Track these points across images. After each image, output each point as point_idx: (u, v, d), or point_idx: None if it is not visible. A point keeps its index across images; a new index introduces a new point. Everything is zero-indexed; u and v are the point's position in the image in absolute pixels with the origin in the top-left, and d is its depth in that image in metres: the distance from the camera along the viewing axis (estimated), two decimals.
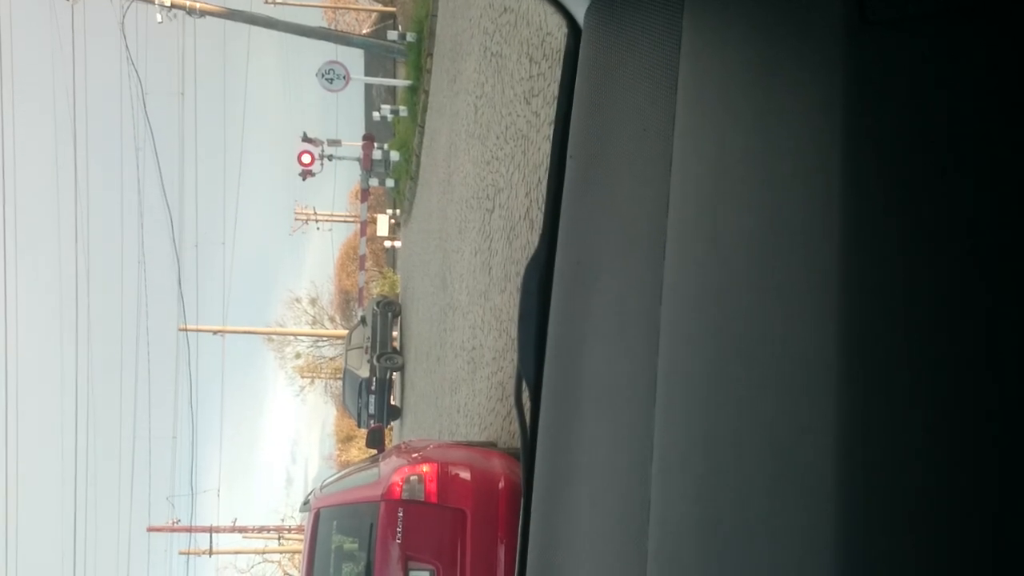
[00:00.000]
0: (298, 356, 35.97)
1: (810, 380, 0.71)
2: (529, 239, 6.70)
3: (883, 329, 0.69)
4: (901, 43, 0.73)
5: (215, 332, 29.95)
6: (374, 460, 6.30)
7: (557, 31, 6.25)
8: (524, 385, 1.30)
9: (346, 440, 35.86)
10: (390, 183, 20.71)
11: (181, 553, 31.50)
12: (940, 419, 0.67)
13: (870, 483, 0.67)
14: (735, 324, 0.80)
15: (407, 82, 18.16)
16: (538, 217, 6.37)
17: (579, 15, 1.19)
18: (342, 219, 32.34)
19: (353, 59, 21.17)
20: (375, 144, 20.11)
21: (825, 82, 0.75)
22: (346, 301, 33.47)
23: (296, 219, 31.77)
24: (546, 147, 6.23)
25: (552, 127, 1.27)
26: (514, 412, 1.35)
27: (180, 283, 27.44)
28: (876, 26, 0.74)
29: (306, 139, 19.96)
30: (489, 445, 6.64)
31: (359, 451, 28.96)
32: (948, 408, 0.67)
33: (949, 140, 0.71)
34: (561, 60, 1.27)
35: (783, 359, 0.74)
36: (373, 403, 18.40)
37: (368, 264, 26.68)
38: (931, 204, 0.70)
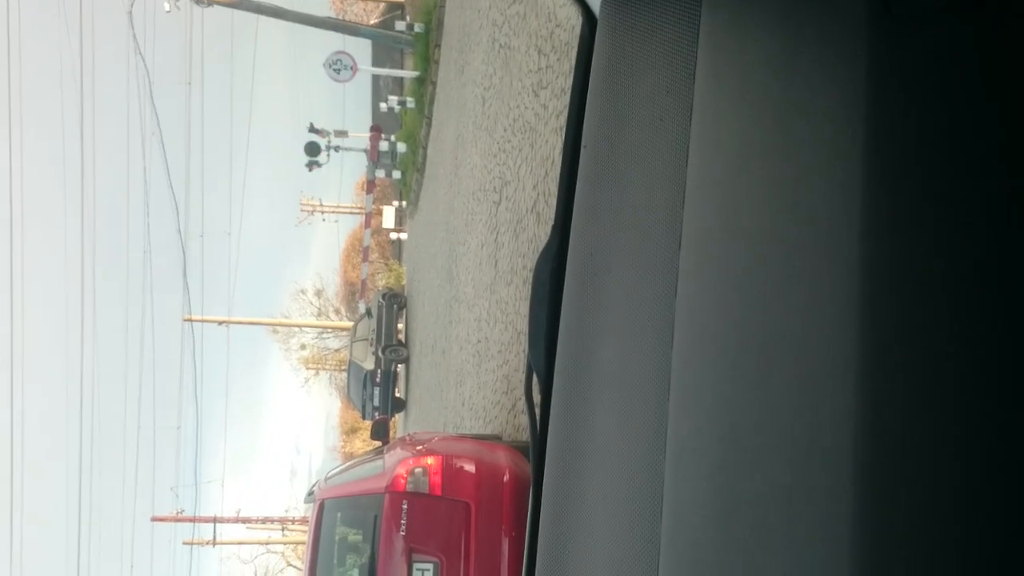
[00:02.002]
0: (303, 347, 36.09)
1: (829, 374, 0.70)
2: (536, 232, 6.69)
3: (904, 324, 0.69)
4: (925, 36, 0.72)
5: (220, 323, 30.03)
6: (378, 452, 6.31)
7: (567, 23, 6.24)
8: (534, 376, 1.29)
9: (350, 432, 35.97)
10: (396, 175, 20.71)
11: (185, 543, 31.64)
12: (962, 415, 0.66)
13: (889, 478, 0.66)
14: (752, 317, 0.79)
15: (415, 73, 18.14)
16: (545, 210, 6.36)
17: (594, 4, 1.19)
18: (348, 210, 32.37)
19: (361, 50, 21.15)
20: (382, 135, 20.10)
21: (848, 74, 0.74)
22: (351, 293, 33.49)
23: (302, 210, 31.81)
24: (554, 140, 6.22)
25: (563, 118, 1.26)
26: (520, 405, 1.35)
27: (185, 273, 27.56)
28: (901, 18, 0.73)
29: (313, 130, 19.96)
30: (494, 438, 6.64)
31: (363, 443, 29.04)
32: (970, 404, 0.66)
33: (974, 134, 0.70)
34: (570, 53, 1.26)
35: (801, 353, 0.74)
36: (378, 395, 18.44)
37: (374, 256, 26.70)
38: (954, 198, 0.70)
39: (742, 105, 0.86)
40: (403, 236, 24.77)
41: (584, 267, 1.15)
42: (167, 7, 20.15)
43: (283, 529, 33.32)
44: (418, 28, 17.57)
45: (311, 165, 20.10)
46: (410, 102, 18.71)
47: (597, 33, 1.16)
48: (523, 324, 6.62)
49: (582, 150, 1.17)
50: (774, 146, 0.81)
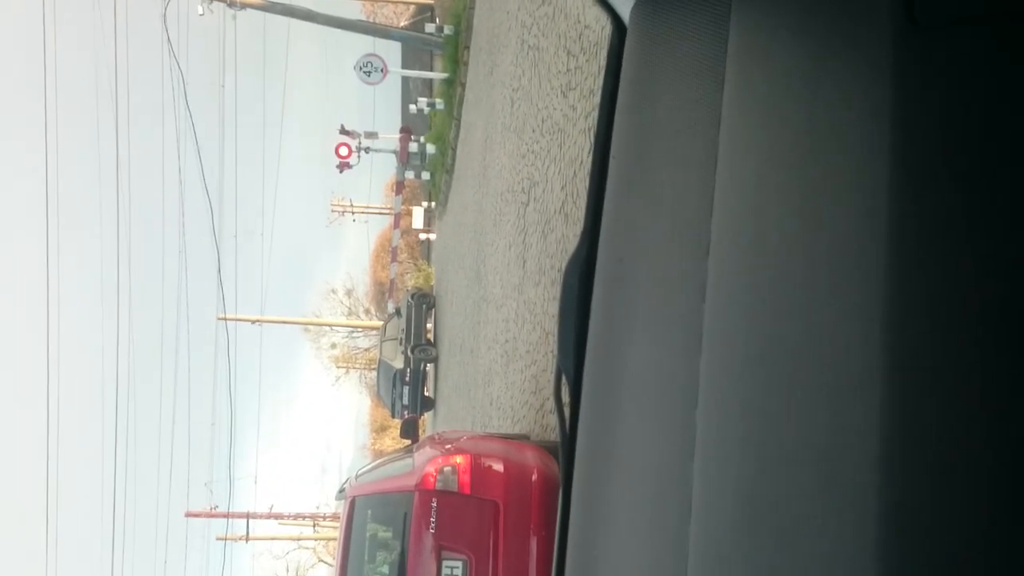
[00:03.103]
0: (334, 346, 36.34)
1: (856, 382, 0.71)
2: (564, 233, 6.69)
3: (930, 333, 0.69)
4: (949, 46, 0.72)
5: (253, 322, 30.35)
6: (408, 450, 6.34)
7: (595, 24, 6.23)
8: (564, 380, 1.31)
9: (380, 430, 36.14)
10: (426, 176, 20.78)
11: (218, 539, 31.98)
12: (987, 423, 0.66)
13: (915, 486, 0.67)
14: (779, 325, 0.80)
15: (444, 75, 18.19)
16: (573, 211, 6.36)
17: (624, 13, 1.19)
18: (378, 211, 32.54)
19: (391, 52, 21.25)
20: (411, 137, 20.19)
21: (874, 84, 0.74)
22: (381, 293, 33.65)
23: (333, 211, 32.05)
24: (582, 141, 6.22)
25: (591, 119, 1.27)
26: (548, 405, 1.36)
27: (220, 273, 27.78)
28: (925, 28, 0.73)
29: (343, 131, 20.08)
30: (522, 437, 6.64)
31: (392, 441, 29.17)
32: (995, 413, 0.66)
33: (999, 145, 0.70)
34: (599, 54, 1.27)
35: (828, 361, 0.74)
36: (407, 394, 18.53)
37: (402, 256, 26.82)
38: (981, 210, 0.70)
39: (770, 114, 0.87)
40: (432, 237, 24.84)
41: (613, 274, 1.16)
42: (200, 10, 20.40)
43: (314, 525, 33.58)
44: (447, 30, 17.62)
45: (342, 166, 20.23)
46: (439, 104, 18.77)
47: (626, 42, 1.17)
48: (551, 324, 6.62)
49: (611, 158, 1.18)
50: (801, 156, 0.81)
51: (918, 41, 0.73)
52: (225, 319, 28.90)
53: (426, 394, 19.40)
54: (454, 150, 17.66)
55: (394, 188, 22.81)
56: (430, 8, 23.66)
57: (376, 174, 29.11)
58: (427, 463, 5.32)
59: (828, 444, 0.72)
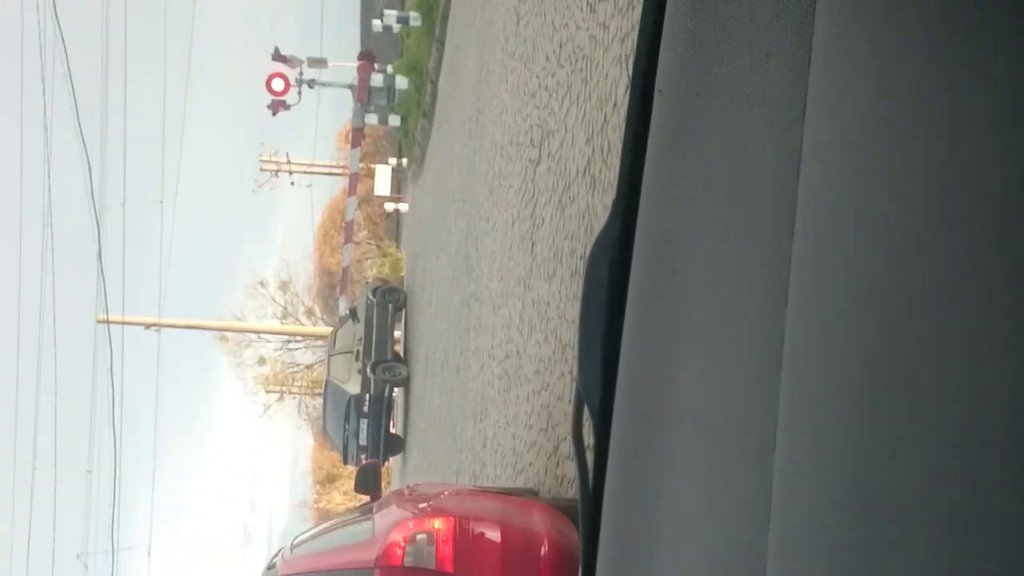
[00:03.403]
0: (262, 362, 36.46)
1: (1003, 422, 0.71)
2: (589, 203, 6.72)
3: None
4: None
5: (148, 326, 30.47)
6: (366, 511, 6.39)
7: None
8: (586, 412, 1.31)
9: (327, 481, 36.35)
10: (394, 121, 20.85)
11: None
12: None
13: None
14: (892, 336, 0.80)
15: None
16: (603, 174, 6.38)
17: None
18: (326, 170, 32.63)
19: None
20: (375, 66, 20.24)
21: None
22: (330, 286, 33.83)
23: (262, 170, 32.11)
24: (616, 73, 6.23)
25: (628, 44, 1.28)
26: (564, 448, 1.38)
27: (100, 257, 27.89)
28: None
29: (278, 57, 20.14)
30: (528, 494, 6.69)
31: (345, 497, 29.32)
32: None
33: None
34: None
35: (958, 385, 0.74)
36: (365, 430, 18.61)
37: (360, 235, 26.92)
38: None
39: (886, 38, 0.87)
40: (402, 207, 24.94)
41: (657, 261, 1.16)
42: None
43: None
44: None
45: (275, 106, 20.30)
46: (414, 19, 18.82)
47: None
48: (570, 334, 6.66)
49: (656, 96, 1.18)
50: (931, 103, 0.82)
51: None
52: (107, 322, 29.01)
53: (392, 431, 19.48)
54: (435, 84, 17.71)
55: (349, 138, 22.88)
56: None
57: (324, 118, 29.22)
58: (393, 529, 5.35)
59: (956, 504, 0.73)
